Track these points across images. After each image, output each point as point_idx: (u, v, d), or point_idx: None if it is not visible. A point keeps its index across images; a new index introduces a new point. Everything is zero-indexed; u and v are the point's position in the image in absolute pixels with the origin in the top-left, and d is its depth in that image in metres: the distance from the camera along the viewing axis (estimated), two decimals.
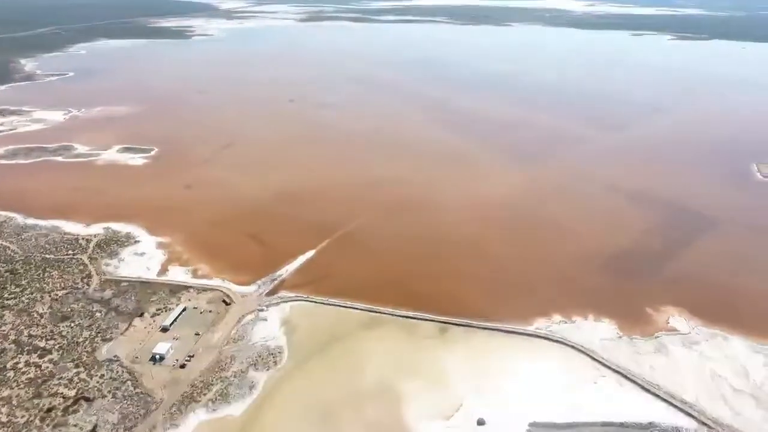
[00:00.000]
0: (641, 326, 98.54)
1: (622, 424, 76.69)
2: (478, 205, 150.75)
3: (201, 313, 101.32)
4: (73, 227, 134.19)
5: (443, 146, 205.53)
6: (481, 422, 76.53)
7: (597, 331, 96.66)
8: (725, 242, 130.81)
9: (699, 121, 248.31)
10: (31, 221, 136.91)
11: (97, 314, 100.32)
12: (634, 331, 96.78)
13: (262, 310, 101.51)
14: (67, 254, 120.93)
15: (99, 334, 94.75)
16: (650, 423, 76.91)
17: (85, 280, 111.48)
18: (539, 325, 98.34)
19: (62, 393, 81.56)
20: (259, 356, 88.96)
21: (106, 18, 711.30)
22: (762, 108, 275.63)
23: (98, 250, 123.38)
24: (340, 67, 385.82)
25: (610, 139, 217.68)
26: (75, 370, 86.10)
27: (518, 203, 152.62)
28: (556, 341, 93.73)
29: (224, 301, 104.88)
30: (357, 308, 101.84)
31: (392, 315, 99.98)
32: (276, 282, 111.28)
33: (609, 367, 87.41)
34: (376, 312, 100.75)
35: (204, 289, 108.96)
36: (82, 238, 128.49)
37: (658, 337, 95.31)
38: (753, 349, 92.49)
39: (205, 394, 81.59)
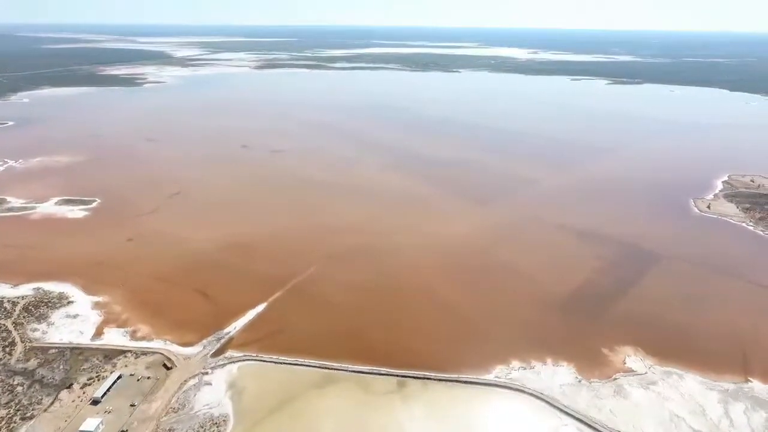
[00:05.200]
0: (599, 368, 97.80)
1: None
2: (432, 250, 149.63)
3: (138, 380, 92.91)
4: None
5: (397, 191, 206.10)
6: None
7: (556, 376, 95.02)
8: (671, 278, 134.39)
9: (638, 160, 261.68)
10: None
11: (18, 388, 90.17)
12: (592, 374, 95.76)
13: (206, 374, 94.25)
14: None
15: (18, 412, 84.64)
16: None
17: (7, 349, 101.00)
18: (498, 372, 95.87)
19: None
20: (201, 427, 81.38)
21: (52, 66, 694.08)
22: (694, 146, 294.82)
23: (25, 314, 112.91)
24: (294, 113, 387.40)
25: (557, 179, 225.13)
26: None
27: (472, 247, 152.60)
28: (516, 390, 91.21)
29: (165, 365, 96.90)
30: (310, 366, 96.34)
31: (347, 371, 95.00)
32: (223, 341, 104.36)
33: (570, 415, 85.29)
34: (331, 369, 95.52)
35: (143, 353, 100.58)
36: (8, 301, 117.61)
37: (616, 379, 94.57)
38: (707, 386, 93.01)
39: None
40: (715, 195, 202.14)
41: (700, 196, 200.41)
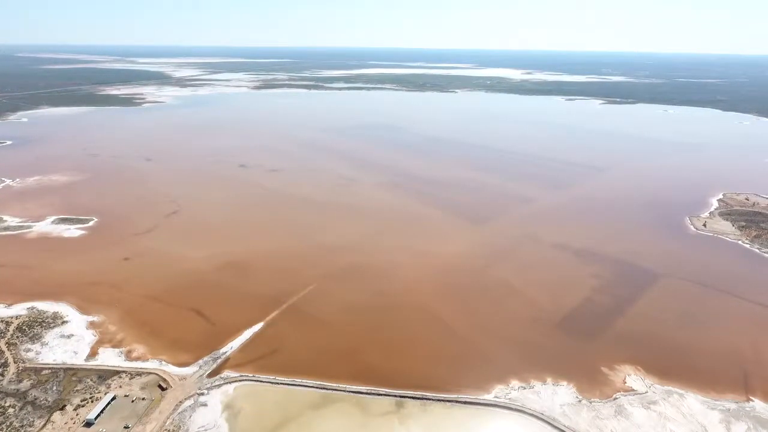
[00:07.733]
0: (599, 387, 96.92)
1: None
2: (430, 269, 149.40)
3: (133, 401, 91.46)
4: None
5: (394, 210, 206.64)
6: None
7: (557, 396, 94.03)
8: (669, 296, 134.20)
9: (634, 178, 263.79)
10: None
11: (10, 410, 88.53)
12: (592, 394, 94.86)
13: (202, 394, 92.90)
14: None
15: None
16: None
17: (0, 370, 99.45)
18: (498, 392, 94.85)
19: None
20: None
21: (51, 86, 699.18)
22: (688, 165, 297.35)
23: (18, 334, 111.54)
24: (292, 133, 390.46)
25: (553, 198, 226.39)
26: None
27: (469, 266, 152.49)
28: (516, 410, 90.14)
29: (160, 385, 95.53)
30: (307, 386, 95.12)
31: (345, 391, 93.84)
32: (219, 361, 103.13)
33: None
34: (328, 389, 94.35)
35: (138, 373, 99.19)
36: (1, 321, 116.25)
37: (616, 398, 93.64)
38: (709, 406, 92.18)
39: None
40: (711, 213, 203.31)
41: (696, 214, 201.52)
